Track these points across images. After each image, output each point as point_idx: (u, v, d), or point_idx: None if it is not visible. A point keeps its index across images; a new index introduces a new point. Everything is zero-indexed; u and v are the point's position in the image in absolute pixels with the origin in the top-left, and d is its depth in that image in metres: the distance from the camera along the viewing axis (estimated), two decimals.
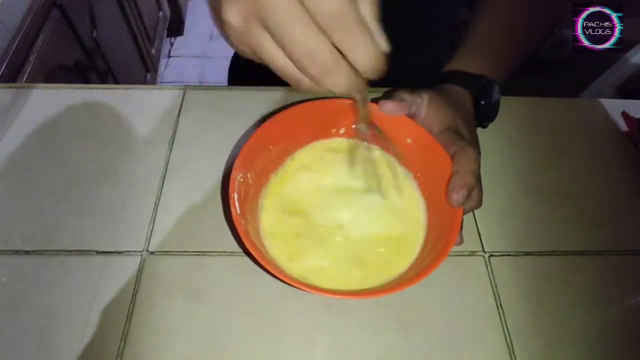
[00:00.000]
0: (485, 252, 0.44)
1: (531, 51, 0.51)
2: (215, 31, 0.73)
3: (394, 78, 0.57)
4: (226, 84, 0.79)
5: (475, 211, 0.45)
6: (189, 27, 2.10)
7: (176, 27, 2.04)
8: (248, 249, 0.33)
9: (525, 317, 0.40)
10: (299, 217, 0.40)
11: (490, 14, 0.50)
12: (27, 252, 0.41)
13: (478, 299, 0.41)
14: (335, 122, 0.43)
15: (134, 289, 0.40)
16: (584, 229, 0.46)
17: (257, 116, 0.49)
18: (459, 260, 0.43)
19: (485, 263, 0.43)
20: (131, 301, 0.39)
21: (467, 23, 0.51)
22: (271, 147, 0.41)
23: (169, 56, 1.99)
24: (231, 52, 0.69)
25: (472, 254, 0.43)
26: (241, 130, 0.49)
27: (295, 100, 0.44)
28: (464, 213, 0.37)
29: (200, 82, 1.91)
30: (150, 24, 1.67)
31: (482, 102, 0.44)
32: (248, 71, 0.70)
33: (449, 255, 0.34)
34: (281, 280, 0.33)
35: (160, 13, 1.85)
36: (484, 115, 0.45)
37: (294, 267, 0.37)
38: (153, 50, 1.71)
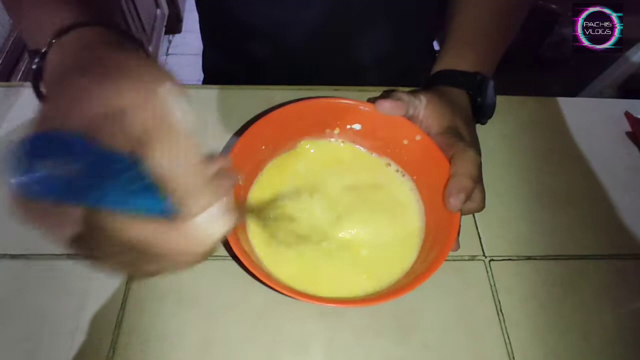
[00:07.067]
0: (485, 257, 0.42)
1: (517, 31, 0.50)
2: None
3: (387, 79, 0.57)
4: None
5: (476, 214, 0.44)
6: (187, 25, 2.08)
7: (174, 25, 2.02)
8: (239, 257, 0.32)
9: (526, 323, 0.39)
10: (287, 222, 0.39)
11: (472, 1, 0.48)
12: (13, 256, 0.40)
13: (478, 305, 0.40)
14: (329, 122, 0.42)
15: (124, 295, 0.39)
16: (586, 233, 0.45)
17: (250, 115, 0.48)
18: (458, 265, 0.42)
19: (486, 268, 0.42)
20: (121, 307, 0.38)
21: (449, 12, 0.50)
22: (263, 147, 0.40)
23: (167, 54, 1.97)
24: None
25: (472, 258, 0.42)
26: (234, 129, 0.48)
27: (290, 99, 0.43)
28: (464, 214, 0.36)
29: (198, 80, 1.90)
30: (148, 22, 1.66)
31: (479, 100, 0.43)
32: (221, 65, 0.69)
33: (448, 260, 0.34)
34: (273, 289, 0.32)
35: (158, 10, 1.83)
36: (482, 112, 0.44)
37: (284, 273, 0.36)
38: (151, 48, 1.70)
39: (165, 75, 0.20)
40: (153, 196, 0.20)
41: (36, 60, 0.27)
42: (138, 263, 0.21)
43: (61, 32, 0.26)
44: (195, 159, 0.20)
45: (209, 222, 0.20)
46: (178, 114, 0.20)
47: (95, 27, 0.26)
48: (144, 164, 0.19)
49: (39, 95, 0.29)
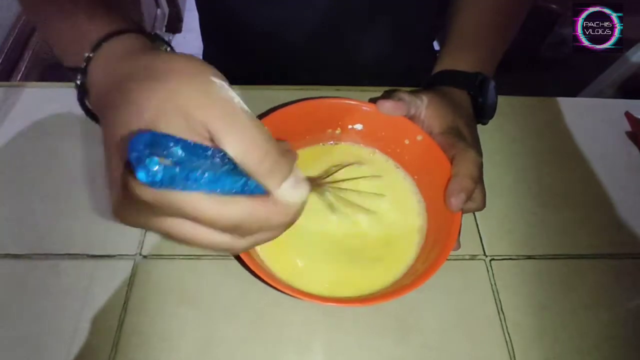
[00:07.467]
0: (486, 256, 0.43)
1: (517, 31, 0.50)
2: None
3: (388, 79, 0.57)
4: None
5: (477, 214, 0.44)
6: (187, 25, 2.08)
7: (174, 25, 2.02)
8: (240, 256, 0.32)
9: (527, 323, 0.39)
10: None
11: (472, 2, 0.48)
12: (15, 256, 0.40)
13: (478, 304, 0.40)
14: (330, 122, 0.42)
15: (126, 294, 0.39)
16: (586, 232, 0.45)
17: None
18: (459, 265, 0.42)
19: (487, 267, 0.42)
20: (123, 307, 0.38)
21: (450, 12, 0.50)
22: None
23: None
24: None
25: (473, 257, 0.42)
26: None
27: (291, 99, 0.43)
28: (465, 212, 0.37)
29: None
30: (148, 21, 1.66)
31: (480, 100, 0.43)
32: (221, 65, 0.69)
33: (449, 260, 0.34)
34: (275, 288, 0.32)
35: (158, 10, 1.83)
36: (483, 113, 0.44)
37: (287, 273, 0.36)
38: None
39: (208, 67, 0.22)
40: (240, 176, 0.21)
41: (79, 77, 0.27)
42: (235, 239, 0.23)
43: (96, 45, 0.26)
44: (265, 136, 0.21)
45: (292, 190, 0.22)
46: (235, 99, 0.21)
47: (129, 34, 0.27)
48: (222, 151, 0.20)
49: (86, 109, 0.29)
